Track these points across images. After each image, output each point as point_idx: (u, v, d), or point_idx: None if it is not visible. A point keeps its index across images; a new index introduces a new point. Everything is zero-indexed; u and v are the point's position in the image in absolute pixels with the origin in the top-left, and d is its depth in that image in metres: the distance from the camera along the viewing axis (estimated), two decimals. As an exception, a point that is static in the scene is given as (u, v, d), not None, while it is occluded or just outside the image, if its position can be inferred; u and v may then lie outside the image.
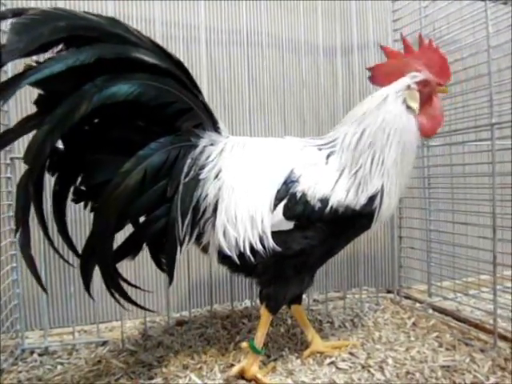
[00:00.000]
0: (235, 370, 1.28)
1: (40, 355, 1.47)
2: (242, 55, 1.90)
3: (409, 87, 1.27)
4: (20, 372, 1.35)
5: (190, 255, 1.74)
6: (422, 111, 1.29)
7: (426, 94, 1.29)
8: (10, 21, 0.93)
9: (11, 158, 1.47)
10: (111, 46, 1.01)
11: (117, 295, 1.13)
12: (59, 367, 1.39)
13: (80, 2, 1.67)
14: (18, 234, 1.02)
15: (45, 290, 1.14)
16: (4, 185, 1.49)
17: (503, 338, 1.44)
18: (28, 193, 1.00)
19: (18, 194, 1.02)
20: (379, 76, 1.36)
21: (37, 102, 1.02)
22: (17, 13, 0.96)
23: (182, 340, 1.55)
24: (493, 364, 1.31)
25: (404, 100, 1.26)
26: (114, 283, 1.12)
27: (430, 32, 1.84)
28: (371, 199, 1.20)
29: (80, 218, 1.67)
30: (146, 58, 1.05)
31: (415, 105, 1.27)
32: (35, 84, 0.95)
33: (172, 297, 1.77)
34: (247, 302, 1.91)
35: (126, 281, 1.18)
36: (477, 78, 1.59)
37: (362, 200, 1.19)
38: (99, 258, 1.09)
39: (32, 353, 1.49)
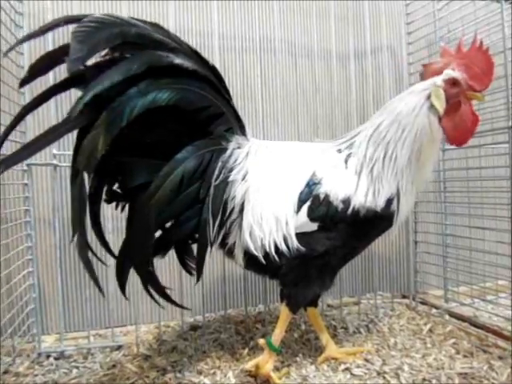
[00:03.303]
0: (250, 364, 1.30)
1: (56, 359, 1.49)
2: (255, 61, 1.91)
3: (435, 84, 1.22)
4: (36, 375, 1.37)
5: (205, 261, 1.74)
6: (448, 115, 1.22)
7: (455, 96, 1.22)
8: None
9: (28, 165, 1.50)
10: (158, 54, 1.06)
11: (155, 295, 1.19)
12: (74, 371, 1.40)
13: (95, 3, 1.70)
14: (75, 238, 1.04)
15: (102, 292, 1.13)
16: (21, 191, 1.51)
17: (522, 344, 1.41)
18: (83, 197, 1.04)
19: (73, 200, 1.04)
20: (427, 74, 1.30)
21: None
22: (70, 20, 1.02)
23: (196, 345, 1.55)
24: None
25: (428, 96, 1.21)
26: (152, 282, 1.17)
27: (444, 34, 1.82)
28: (389, 202, 1.20)
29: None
30: (187, 65, 1.10)
31: (439, 104, 1.21)
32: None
33: (186, 301, 1.77)
34: (261, 307, 1.90)
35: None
36: (494, 80, 1.56)
37: (381, 202, 1.20)
38: (139, 258, 1.13)
39: (48, 356, 1.50)
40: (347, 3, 2.01)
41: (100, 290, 1.11)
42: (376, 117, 1.29)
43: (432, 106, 1.21)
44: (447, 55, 1.30)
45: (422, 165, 1.24)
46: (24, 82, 1.04)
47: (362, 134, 1.27)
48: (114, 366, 1.42)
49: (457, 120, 1.23)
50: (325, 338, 1.43)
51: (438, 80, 1.22)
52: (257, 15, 1.85)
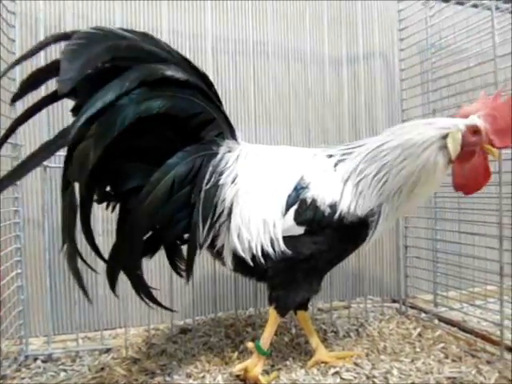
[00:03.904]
0: (239, 367, 1.30)
1: (43, 362, 1.47)
2: (248, 65, 1.91)
3: (456, 126, 1.17)
4: (23, 378, 1.35)
5: (195, 263, 1.73)
6: (459, 161, 1.18)
7: (472, 145, 1.17)
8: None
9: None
10: (149, 68, 1.07)
11: (144, 297, 1.20)
12: (62, 374, 1.38)
13: (88, 9, 1.70)
14: (64, 248, 1.06)
15: (89, 299, 1.15)
16: (10, 191, 1.50)
17: (510, 349, 1.42)
18: (74, 207, 1.05)
19: (64, 210, 1.05)
20: (461, 115, 1.24)
21: (74, 111, 1.07)
22: (59, 37, 1.03)
23: (186, 348, 1.54)
24: (499, 376, 1.29)
25: (445, 136, 1.16)
26: (141, 286, 1.19)
27: (436, 41, 1.84)
28: (365, 219, 1.20)
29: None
30: (178, 75, 1.11)
31: (453, 148, 1.16)
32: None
33: (176, 304, 1.77)
34: (251, 310, 1.90)
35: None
36: (483, 87, 1.58)
37: (365, 210, 1.20)
38: (129, 261, 1.15)
39: (35, 359, 1.49)
40: (340, 8, 2.03)
41: (88, 298, 1.13)
42: (386, 134, 1.25)
43: (445, 147, 1.16)
44: (481, 101, 1.23)
45: (414, 196, 1.21)
46: (16, 97, 1.04)
47: (364, 148, 1.25)
48: (102, 369, 1.40)
49: (467, 169, 1.19)
50: (315, 341, 1.43)
51: (461, 123, 1.17)
52: (250, 18, 1.85)
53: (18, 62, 1.04)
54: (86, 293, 1.11)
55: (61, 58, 0.94)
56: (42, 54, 1.44)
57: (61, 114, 1.64)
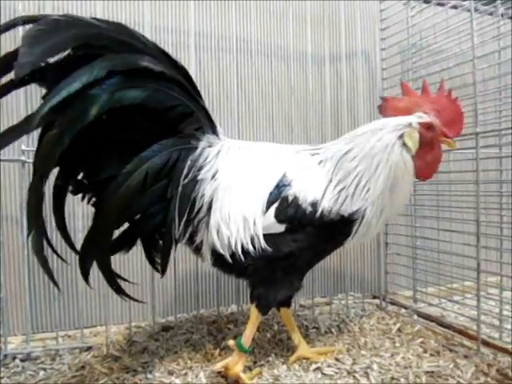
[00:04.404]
0: (219, 365, 1.29)
1: (22, 361, 1.45)
2: (231, 62, 1.91)
3: (410, 125, 1.23)
4: (1, 378, 1.32)
5: (177, 259, 1.73)
6: (420, 155, 1.24)
7: (428, 139, 1.25)
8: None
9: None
10: (120, 57, 1.04)
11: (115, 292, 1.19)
12: (42, 373, 1.37)
13: (69, 2, 1.66)
14: (30, 237, 1.02)
15: (58, 287, 1.16)
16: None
17: (486, 344, 1.46)
18: (40, 196, 1.01)
19: (30, 197, 1.01)
20: (389, 109, 1.33)
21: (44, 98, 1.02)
22: (27, 20, 0.99)
23: (168, 345, 1.53)
24: (476, 370, 1.32)
25: (401, 135, 1.22)
26: (111, 278, 1.17)
27: (417, 41, 1.87)
28: (349, 219, 1.21)
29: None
30: (152, 67, 1.09)
31: (412, 145, 1.23)
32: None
33: (158, 302, 1.76)
34: (234, 307, 1.90)
35: (119, 276, 1.22)
36: (462, 87, 1.62)
37: (349, 209, 1.20)
38: (98, 252, 1.12)
39: (14, 358, 1.46)
40: (323, 7, 2.04)
41: (57, 286, 1.13)
42: (343, 143, 1.27)
43: (405, 145, 1.22)
44: (411, 94, 1.34)
45: (397, 196, 1.24)
46: None
47: (336, 155, 1.25)
48: (82, 367, 1.39)
49: (428, 159, 1.26)
50: (297, 338, 1.44)
51: (414, 121, 1.24)
52: (234, 15, 1.84)
53: None
54: (55, 283, 1.10)
55: (22, 41, 0.91)
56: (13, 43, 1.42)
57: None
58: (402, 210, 1.35)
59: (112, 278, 1.18)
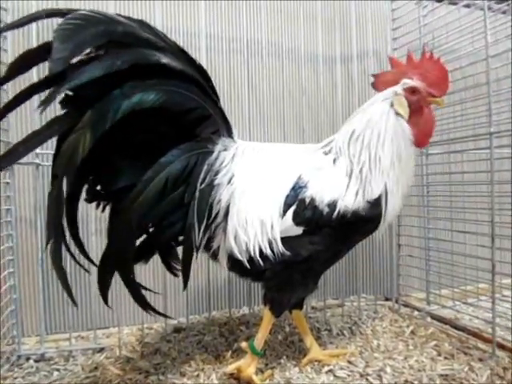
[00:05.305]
0: (232, 367, 1.29)
1: (36, 361, 1.46)
2: (242, 63, 1.91)
3: (396, 93, 1.29)
4: (16, 378, 1.34)
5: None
6: (412, 120, 1.29)
7: (416, 102, 1.29)
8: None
9: (10, 164, 1.46)
10: (144, 52, 1.03)
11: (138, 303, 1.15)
12: (55, 374, 1.38)
13: (81, 2, 1.68)
14: (49, 246, 1.00)
15: (74, 302, 1.09)
16: (2, 190, 1.49)
17: (501, 347, 1.44)
18: (60, 203, 0.99)
19: (50, 204, 0.99)
20: (380, 83, 1.38)
21: (63, 103, 1.02)
22: (52, 14, 0.99)
23: (180, 347, 1.54)
24: (491, 373, 1.30)
25: (391, 104, 1.28)
26: (134, 289, 1.13)
27: (429, 41, 1.85)
28: (377, 202, 1.21)
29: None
30: (174, 65, 1.07)
31: (403, 111, 1.28)
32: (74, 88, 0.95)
33: (170, 303, 1.76)
34: (245, 309, 1.90)
35: (141, 286, 1.19)
36: (475, 87, 1.60)
37: (368, 204, 1.20)
38: (121, 264, 1.09)
39: (28, 359, 1.47)
40: (334, 7, 2.04)
41: (72, 299, 1.07)
42: (345, 127, 1.32)
43: (397, 114, 1.28)
44: (398, 66, 1.38)
45: (405, 165, 1.27)
46: (3, 80, 1.00)
47: (339, 141, 1.29)
48: (95, 368, 1.40)
49: (421, 124, 1.30)
50: (309, 340, 1.43)
51: (398, 89, 1.29)
52: (244, 16, 1.85)
53: (5, 29, 1.01)
54: (70, 293, 1.05)
55: (54, 36, 0.90)
56: (34, 36, 1.45)
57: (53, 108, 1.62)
58: (413, 181, 1.39)
59: (138, 294, 1.14)
